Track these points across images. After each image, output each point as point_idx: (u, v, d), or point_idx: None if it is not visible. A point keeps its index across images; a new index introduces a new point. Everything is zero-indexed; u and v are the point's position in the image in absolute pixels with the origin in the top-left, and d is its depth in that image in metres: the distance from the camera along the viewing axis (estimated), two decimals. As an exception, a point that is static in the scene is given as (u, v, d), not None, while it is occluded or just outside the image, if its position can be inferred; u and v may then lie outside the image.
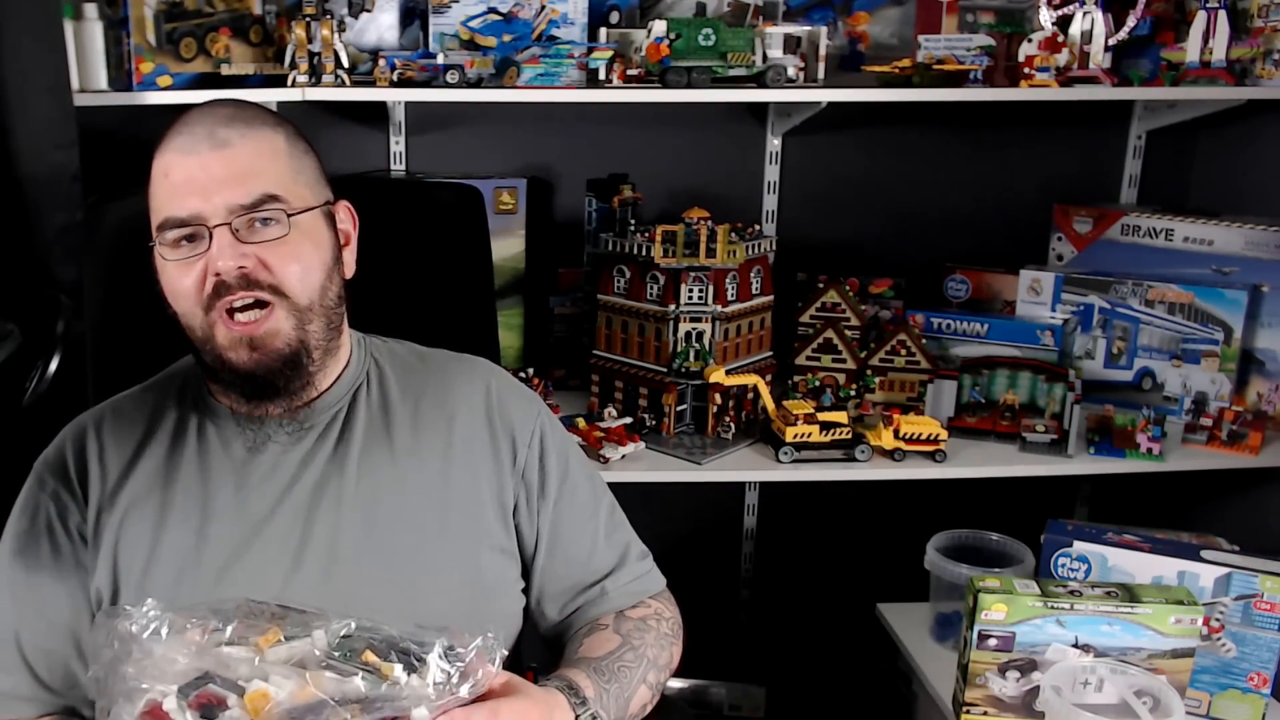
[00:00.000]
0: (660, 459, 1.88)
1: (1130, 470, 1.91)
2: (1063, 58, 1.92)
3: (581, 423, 1.91)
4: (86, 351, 1.60)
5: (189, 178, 1.11)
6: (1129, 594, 1.62)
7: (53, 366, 1.73)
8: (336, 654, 0.96)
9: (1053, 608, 1.60)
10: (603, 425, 1.91)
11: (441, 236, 1.68)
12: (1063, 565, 1.73)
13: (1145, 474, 1.92)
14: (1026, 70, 1.92)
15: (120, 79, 1.84)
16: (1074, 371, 1.94)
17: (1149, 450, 1.91)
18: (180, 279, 1.13)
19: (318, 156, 1.21)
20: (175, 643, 0.95)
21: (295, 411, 1.21)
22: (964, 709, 1.58)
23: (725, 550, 2.18)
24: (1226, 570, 1.68)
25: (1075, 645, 1.61)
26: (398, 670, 0.95)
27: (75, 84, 1.78)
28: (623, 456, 1.86)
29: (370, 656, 0.96)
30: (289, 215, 1.13)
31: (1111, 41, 1.93)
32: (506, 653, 1.04)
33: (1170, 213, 2.01)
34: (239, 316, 1.13)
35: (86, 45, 1.84)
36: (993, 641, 1.61)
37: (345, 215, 1.25)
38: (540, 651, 1.84)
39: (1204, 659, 1.65)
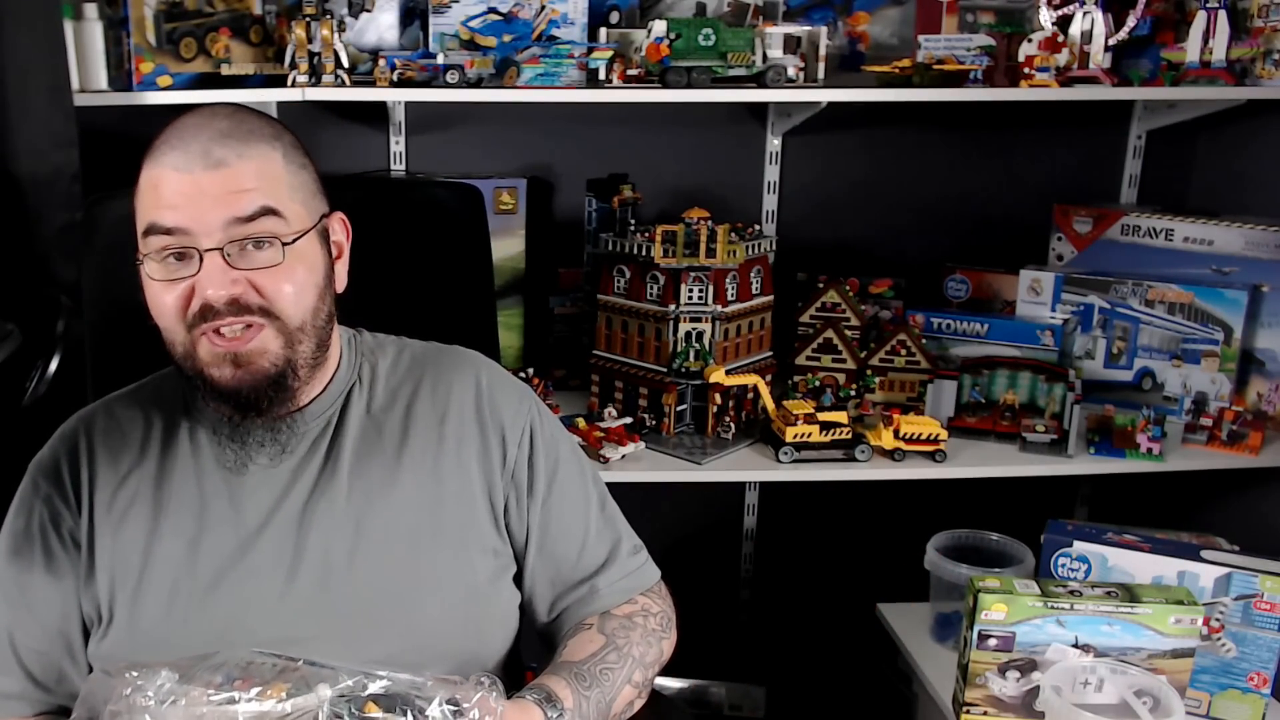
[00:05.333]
0: (660, 459, 1.88)
1: (1130, 470, 1.91)
2: (1063, 58, 1.92)
3: (581, 423, 1.91)
4: (86, 351, 1.61)
5: (180, 191, 1.09)
6: (1129, 594, 1.62)
7: (53, 366, 1.73)
8: (340, 709, 0.96)
9: (1053, 608, 1.60)
10: (603, 425, 1.91)
11: (441, 236, 1.68)
12: (1063, 565, 1.73)
13: (1145, 474, 1.91)
14: (1026, 70, 1.91)
15: (120, 79, 1.84)
16: (1074, 371, 1.94)
17: (1149, 450, 1.91)
18: (164, 295, 1.11)
19: (315, 168, 1.19)
20: (185, 710, 0.97)
21: (276, 426, 1.20)
22: (964, 709, 1.58)
23: (725, 550, 2.18)
24: (1226, 570, 1.67)
25: (1075, 645, 1.61)
26: None
27: (75, 84, 1.78)
28: (623, 456, 1.86)
29: (373, 709, 0.95)
30: (284, 244, 1.11)
31: (1111, 41, 1.93)
32: (502, 690, 1.04)
33: (1170, 213, 2.01)
34: (225, 332, 1.11)
35: (86, 45, 1.83)
36: (993, 641, 1.61)
37: (339, 228, 1.22)
38: (539, 651, 1.84)
39: (1204, 659, 1.65)
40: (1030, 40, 1.92)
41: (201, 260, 1.09)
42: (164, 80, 1.85)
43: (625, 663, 1.24)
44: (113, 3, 1.83)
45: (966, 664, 1.63)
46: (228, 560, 1.19)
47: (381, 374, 1.28)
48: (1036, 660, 1.63)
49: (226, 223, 1.09)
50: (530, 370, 1.93)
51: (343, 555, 1.19)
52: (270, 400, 1.15)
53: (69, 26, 1.78)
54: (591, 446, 1.85)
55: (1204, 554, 1.71)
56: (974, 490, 1.95)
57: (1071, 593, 1.63)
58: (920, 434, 1.89)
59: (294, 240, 1.13)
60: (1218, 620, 1.69)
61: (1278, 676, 1.63)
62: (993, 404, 1.97)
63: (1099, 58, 1.93)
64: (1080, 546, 1.73)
